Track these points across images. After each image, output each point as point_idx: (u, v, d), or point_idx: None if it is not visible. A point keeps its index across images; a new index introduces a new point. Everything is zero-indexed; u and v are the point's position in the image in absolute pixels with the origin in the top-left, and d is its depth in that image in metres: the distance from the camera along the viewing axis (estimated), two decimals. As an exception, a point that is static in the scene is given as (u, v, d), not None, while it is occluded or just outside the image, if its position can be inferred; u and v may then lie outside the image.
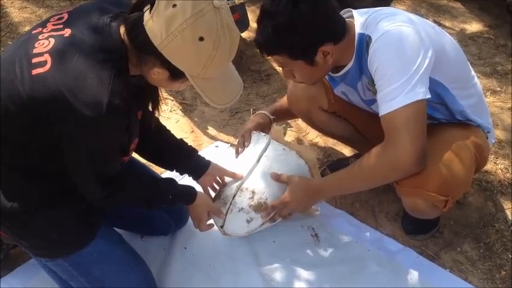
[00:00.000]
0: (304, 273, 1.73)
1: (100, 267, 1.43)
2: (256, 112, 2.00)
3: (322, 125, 2.02)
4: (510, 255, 1.83)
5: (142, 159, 1.76)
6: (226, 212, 1.68)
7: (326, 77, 1.79)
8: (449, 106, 1.63)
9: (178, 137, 1.73)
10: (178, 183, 1.56)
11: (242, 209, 1.68)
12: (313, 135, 2.39)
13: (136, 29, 1.19)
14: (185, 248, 1.80)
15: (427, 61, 1.44)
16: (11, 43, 2.89)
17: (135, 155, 1.69)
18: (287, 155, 1.75)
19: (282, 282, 1.70)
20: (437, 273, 1.74)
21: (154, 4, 1.18)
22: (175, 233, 1.84)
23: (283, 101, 2.02)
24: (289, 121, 2.44)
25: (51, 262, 1.44)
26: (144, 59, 1.23)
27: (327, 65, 1.56)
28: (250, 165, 1.74)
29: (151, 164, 1.81)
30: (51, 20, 1.30)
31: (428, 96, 1.44)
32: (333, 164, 2.15)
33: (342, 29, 1.54)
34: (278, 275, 1.72)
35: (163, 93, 1.42)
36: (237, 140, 1.91)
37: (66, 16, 1.30)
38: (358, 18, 1.55)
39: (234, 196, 1.70)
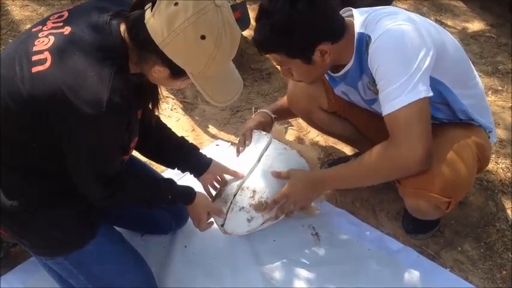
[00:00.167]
0: (304, 273, 1.73)
1: (100, 266, 1.43)
2: (258, 111, 1.99)
3: (322, 125, 2.01)
4: (511, 255, 1.83)
5: (143, 157, 1.75)
6: (227, 211, 1.68)
7: (326, 76, 1.79)
8: (451, 105, 1.62)
9: (179, 135, 1.73)
10: (178, 183, 1.56)
11: (243, 208, 1.68)
12: (314, 134, 2.39)
13: (138, 27, 1.19)
14: (185, 246, 1.80)
15: (428, 59, 1.44)
16: (11, 41, 2.89)
17: (136, 154, 1.70)
18: (288, 154, 1.75)
19: (282, 281, 1.70)
20: (438, 272, 1.74)
21: (155, 2, 1.18)
22: (175, 232, 1.84)
23: (285, 100, 2.02)
24: (290, 120, 2.44)
25: (51, 260, 1.44)
26: (145, 57, 1.23)
27: (325, 64, 1.56)
28: (251, 165, 1.73)
29: (151, 162, 1.81)
30: (51, 18, 1.30)
31: (431, 94, 1.44)
32: (333, 162, 2.15)
33: (341, 28, 1.53)
34: (278, 274, 1.72)
35: (163, 92, 1.42)
36: (238, 139, 1.91)
37: (66, 14, 1.30)
38: (358, 18, 1.55)
39: (235, 195, 1.69)
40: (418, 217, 1.72)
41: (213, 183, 1.77)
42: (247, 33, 2.94)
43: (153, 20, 1.16)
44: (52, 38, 1.22)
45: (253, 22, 2.69)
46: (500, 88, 2.81)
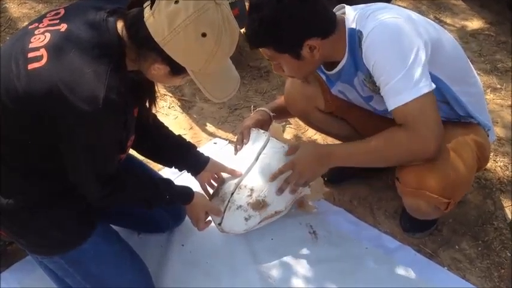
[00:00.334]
0: (301, 271, 1.73)
1: (96, 265, 1.42)
2: (256, 109, 1.99)
3: (319, 125, 2.01)
4: (509, 254, 1.83)
5: (140, 156, 1.75)
6: (225, 210, 1.68)
7: (323, 77, 1.79)
8: (451, 103, 1.62)
9: (176, 133, 1.73)
10: (175, 181, 1.55)
11: (240, 206, 1.67)
12: (312, 133, 2.39)
13: (137, 25, 1.19)
14: (182, 245, 1.80)
15: (422, 50, 1.44)
16: (8, 39, 2.89)
17: (133, 153, 1.69)
18: (286, 152, 1.74)
19: (280, 280, 1.70)
20: (435, 271, 1.74)
21: (154, 1, 1.17)
22: (172, 231, 1.84)
23: (283, 98, 2.01)
24: (288, 118, 2.43)
25: (48, 259, 1.43)
26: (144, 55, 1.23)
27: (315, 59, 1.55)
28: (248, 163, 1.73)
29: (149, 161, 1.80)
30: (48, 15, 1.30)
31: (434, 86, 1.43)
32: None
33: (330, 24, 1.53)
34: (276, 273, 1.72)
35: (161, 90, 1.42)
36: (236, 137, 1.90)
37: (62, 11, 1.30)
38: (349, 14, 1.55)
39: (233, 193, 1.69)
40: (417, 217, 1.71)
41: (210, 181, 1.77)
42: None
43: (153, 19, 1.16)
44: (48, 35, 1.22)
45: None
46: (499, 86, 2.80)
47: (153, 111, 1.50)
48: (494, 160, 2.24)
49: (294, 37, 1.49)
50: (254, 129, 1.82)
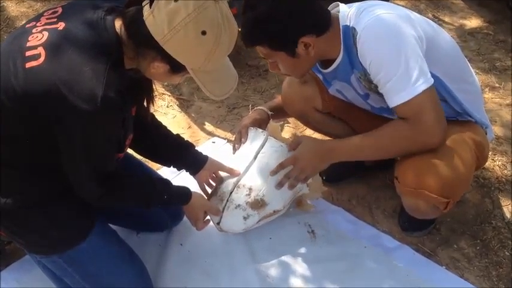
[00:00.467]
0: (300, 270, 1.72)
1: (95, 264, 1.42)
2: (254, 108, 1.99)
3: (317, 125, 2.01)
4: (507, 253, 1.83)
5: (139, 156, 1.75)
6: (223, 209, 1.68)
7: (320, 77, 1.78)
8: (448, 100, 1.62)
9: (175, 132, 1.73)
10: (173, 181, 1.55)
11: (239, 205, 1.67)
12: (310, 132, 2.37)
13: (136, 24, 1.19)
14: (181, 244, 1.80)
15: (417, 44, 1.45)
16: (6, 38, 2.88)
17: (133, 153, 1.69)
18: (284, 151, 1.74)
19: (278, 279, 1.69)
20: (434, 270, 1.74)
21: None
22: (171, 230, 1.84)
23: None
24: (286, 118, 2.43)
25: (46, 259, 1.43)
26: (143, 53, 1.23)
27: (310, 57, 1.55)
28: (247, 162, 1.73)
29: (147, 160, 1.80)
30: (45, 14, 1.30)
31: (432, 80, 1.45)
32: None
33: (325, 21, 1.53)
34: (274, 272, 1.72)
35: (160, 89, 1.42)
36: (234, 136, 1.90)
37: (60, 10, 1.30)
38: (343, 11, 1.55)
39: (231, 193, 1.69)
40: (416, 216, 1.71)
41: (208, 180, 1.77)
42: (244, 30, 2.93)
43: (153, 17, 1.16)
44: (46, 34, 1.22)
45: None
46: (497, 85, 2.80)
47: (151, 110, 1.50)
48: (493, 159, 2.24)
49: (288, 34, 1.49)
50: (252, 128, 1.82)
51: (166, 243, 1.80)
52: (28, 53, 1.19)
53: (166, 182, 1.54)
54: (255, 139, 1.78)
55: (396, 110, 1.49)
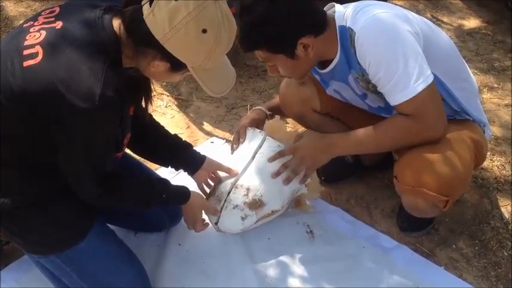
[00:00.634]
0: (298, 270, 1.72)
1: (93, 264, 1.42)
2: (253, 108, 1.99)
3: (315, 126, 2.00)
4: (505, 253, 1.83)
5: (137, 156, 1.74)
6: (221, 209, 1.67)
7: (317, 78, 1.78)
8: (445, 98, 1.62)
9: (173, 132, 1.73)
10: (172, 182, 1.55)
11: (237, 206, 1.67)
12: (310, 132, 2.38)
13: (136, 23, 1.19)
14: (179, 244, 1.79)
15: (415, 41, 1.46)
16: (3, 37, 2.88)
17: (131, 153, 1.69)
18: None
19: (277, 279, 1.69)
20: (432, 270, 1.74)
21: None
22: (169, 230, 1.83)
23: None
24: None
25: (44, 259, 1.43)
26: (142, 52, 1.23)
27: (309, 58, 1.55)
28: (245, 162, 1.73)
29: (145, 160, 1.80)
30: (43, 13, 1.30)
31: (432, 77, 1.46)
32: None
33: (322, 22, 1.53)
34: (272, 272, 1.71)
35: (158, 89, 1.42)
36: (232, 136, 1.90)
37: (58, 10, 1.30)
38: (339, 12, 1.55)
39: (229, 193, 1.69)
40: (415, 215, 1.71)
41: (207, 180, 1.76)
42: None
43: (153, 16, 1.16)
44: (44, 33, 1.22)
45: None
46: (496, 85, 2.80)
47: (149, 109, 1.49)
48: (491, 159, 2.24)
49: (286, 36, 1.49)
50: (250, 128, 1.82)
51: (164, 243, 1.80)
52: (26, 52, 1.19)
53: (165, 182, 1.53)
54: (253, 139, 1.78)
55: (397, 108, 1.51)
